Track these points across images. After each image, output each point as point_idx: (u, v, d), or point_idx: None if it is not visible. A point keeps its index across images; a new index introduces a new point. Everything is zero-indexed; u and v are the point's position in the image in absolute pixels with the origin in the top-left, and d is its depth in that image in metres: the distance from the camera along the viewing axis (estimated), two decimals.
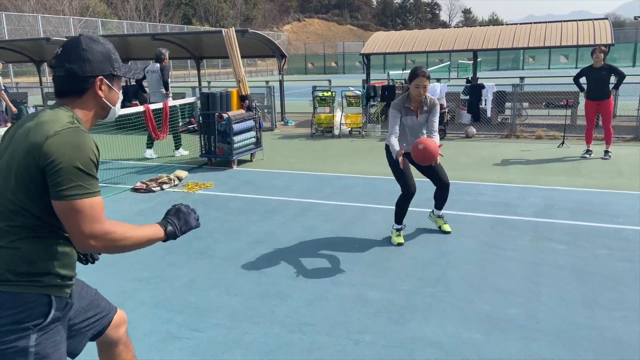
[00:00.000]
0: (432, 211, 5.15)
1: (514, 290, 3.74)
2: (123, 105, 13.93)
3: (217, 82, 26.16)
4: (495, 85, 11.16)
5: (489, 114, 11.04)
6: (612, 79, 8.12)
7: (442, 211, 5.08)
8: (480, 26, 13.73)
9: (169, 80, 9.24)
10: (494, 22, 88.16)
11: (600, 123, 8.34)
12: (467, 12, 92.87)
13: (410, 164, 4.70)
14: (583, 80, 8.26)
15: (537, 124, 11.70)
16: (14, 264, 1.64)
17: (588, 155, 8.32)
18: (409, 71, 4.66)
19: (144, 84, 10.07)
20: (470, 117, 11.30)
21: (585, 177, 7.03)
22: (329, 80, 15.16)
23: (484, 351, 2.98)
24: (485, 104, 10.94)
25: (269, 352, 3.03)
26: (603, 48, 7.91)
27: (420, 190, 6.52)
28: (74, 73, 1.73)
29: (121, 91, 1.89)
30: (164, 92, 9.05)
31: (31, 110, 16.23)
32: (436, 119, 4.66)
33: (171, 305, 3.64)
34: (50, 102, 16.97)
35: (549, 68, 43.77)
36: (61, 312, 1.75)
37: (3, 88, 9.96)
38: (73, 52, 1.75)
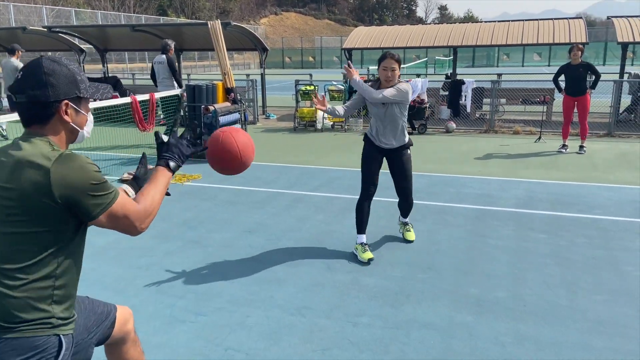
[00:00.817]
0: (400, 216, 4.83)
1: (500, 275, 3.94)
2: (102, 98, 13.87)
3: (195, 75, 25.96)
4: (475, 81, 11.41)
5: (468, 109, 11.31)
6: (590, 77, 8.42)
7: (408, 219, 4.77)
8: (457, 23, 14.00)
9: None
10: (470, 19, 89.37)
11: (576, 119, 8.65)
12: (443, 8, 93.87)
13: (375, 160, 4.39)
14: (561, 78, 8.54)
15: (514, 119, 12.03)
16: (21, 309, 1.60)
17: (564, 150, 8.63)
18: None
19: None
20: (450, 112, 11.55)
21: (562, 170, 7.32)
22: (310, 75, 15.26)
23: (475, 331, 3.16)
24: (465, 100, 11.20)
25: (272, 333, 3.15)
26: (580, 46, 8.20)
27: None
28: (37, 100, 1.65)
29: (90, 113, 1.86)
30: (173, 82, 9.26)
31: (4, 100, 15.89)
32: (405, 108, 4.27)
33: (172, 290, 3.72)
34: None
35: (522, 65, 44.67)
36: (70, 350, 1.72)
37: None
38: (35, 77, 1.66)
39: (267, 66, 14.16)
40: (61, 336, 1.67)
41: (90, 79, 9.22)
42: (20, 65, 10.12)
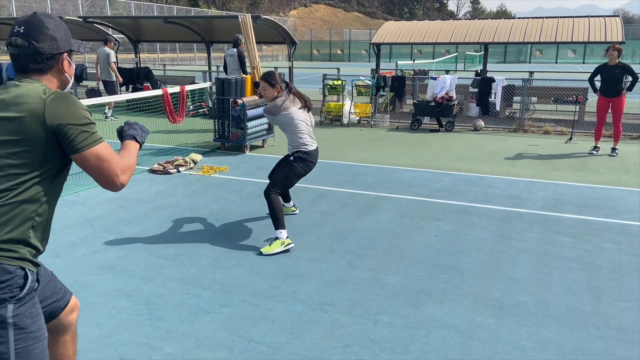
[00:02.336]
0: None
1: (523, 278, 3.92)
2: (135, 89, 14.11)
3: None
4: (505, 79, 11.24)
5: (497, 107, 11.15)
6: (626, 79, 8.22)
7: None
8: (490, 18, 13.76)
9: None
10: (502, 13, 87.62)
11: (610, 120, 8.46)
12: (475, 2, 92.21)
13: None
14: (597, 77, 8.35)
15: (544, 118, 11.83)
16: (5, 230, 1.71)
17: (595, 152, 8.46)
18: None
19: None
20: (479, 110, 11.41)
21: (593, 173, 7.18)
22: (338, 69, 15.25)
23: (496, 334, 3.17)
24: (495, 98, 11.05)
25: (294, 327, 3.22)
26: (617, 46, 8.01)
27: (431, 181, 6.70)
28: (41, 51, 1.81)
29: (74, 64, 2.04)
30: (241, 74, 9.92)
31: (100, 84, 16.28)
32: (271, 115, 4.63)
33: (198, 281, 3.82)
34: None
35: (556, 62, 43.75)
36: (35, 284, 1.80)
37: (114, 61, 11.58)
38: (39, 30, 1.81)
39: (294, 59, 14.20)
40: (27, 270, 1.76)
41: (123, 69, 9.61)
42: (112, 53, 11.58)
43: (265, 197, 4.49)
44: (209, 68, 15.94)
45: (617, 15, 12.42)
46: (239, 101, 8.14)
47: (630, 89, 8.13)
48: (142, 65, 16.04)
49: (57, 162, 1.80)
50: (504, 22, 12.75)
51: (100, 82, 12.05)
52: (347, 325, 3.26)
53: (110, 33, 16.11)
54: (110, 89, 11.81)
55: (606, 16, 12.28)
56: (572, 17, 12.56)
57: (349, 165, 7.49)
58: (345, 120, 11.37)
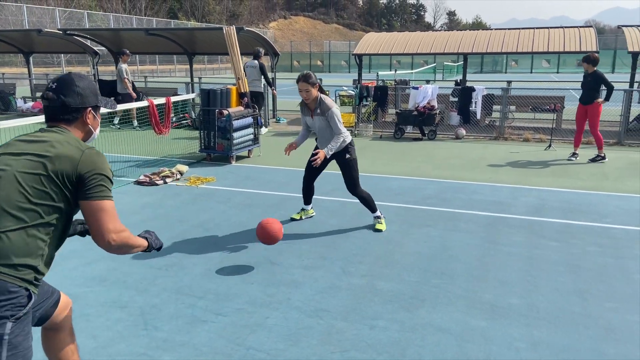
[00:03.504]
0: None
1: (513, 282, 4.01)
2: (117, 101, 14.02)
3: (205, 78, 26.11)
4: (485, 88, 11.48)
5: (478, 116, 11.37)
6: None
7: (379, 212, 5.27)
8: (466, 29, 14.08)
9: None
10: (478, 24, 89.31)
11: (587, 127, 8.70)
12: (451, 14, 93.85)
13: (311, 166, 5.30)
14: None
15: (523, 126, 12.08)
16: (9, 252, 1.81)
17: (574, 158, 8.68)
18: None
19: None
20: (460, 118, 11.61)
21: (573, 178, 7.37)
22: (320, 79, 15.36)
23: (490, 336, 3.23)
24: (475, 107, 11.26)
25: (291, 334, 3.24)
26: (593, 56, 8.28)
27: (417, 188, 6.80)
28: (68, 105, 2.07)
29: (100, 119, 2.26)
30: (261, 84, 11.13)
31: (19, 101, 16.12)
32: (334, 124, 4.90)
33: (192, 291, 3.82)
34: (38, 94, 16.86)
35: (531, 72, 44.65)
36: (31, 308, 1.90)
37: (125, 77, 11.72)
38: (68, 87, 2.08)
39: (275, 70, 14.27)
40: (31, 291, 1.88)
41: (104, 82, 9.63)
42: (123, 68, 11.72)
43: (359, 198, 5.09)
44: (191, 79, 15.92)
45: (591, 26, 12.80)
46: (224, 112, 8.17)
47: (607, 98, 8.38)
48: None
49: (74, 205, 1.99)
50: (482, 33, 13.04)
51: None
52: (343, 330, 3.29)
53: (90, 45, 16.01)
54: (127, 102, 11.72)
55: (580, 27, 12.65)
56: (548, 27, 12.91)
57: (336, 175, 7.54)
58: None
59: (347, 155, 5.04)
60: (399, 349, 3.08)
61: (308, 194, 5.45)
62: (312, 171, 5.34)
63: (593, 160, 8.59)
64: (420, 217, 5.58)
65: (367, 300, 3.70)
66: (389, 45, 13.13)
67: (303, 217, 5.52)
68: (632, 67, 11.41)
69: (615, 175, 7.57)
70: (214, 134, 8.35)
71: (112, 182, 2.04)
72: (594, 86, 8.30)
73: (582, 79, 8.52)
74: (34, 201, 1.87)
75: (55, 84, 2.08)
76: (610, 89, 8.30)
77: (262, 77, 11.19)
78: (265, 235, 4.20)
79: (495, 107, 12.17)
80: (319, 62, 50.56)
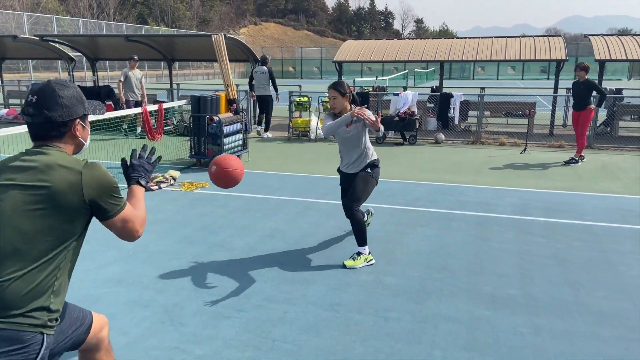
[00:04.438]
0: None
1: (509, 275, 4.31)
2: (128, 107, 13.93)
3: (185, 84, 26.00)
4: (463, 94, 11.92)
5: (456, 121, 11.79)
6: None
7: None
8: (433, 37, 14.54)
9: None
10: (444, 32, 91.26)
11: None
12: (419, 22, 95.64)
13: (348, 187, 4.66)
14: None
15: (498, 131, 12.58)
16: (17, 301, 1.74)
17: (580, 162, 9.15)
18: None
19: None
20: (439, 123, 12.01)
21: (551, 180, 7.79)
22: (300, 86, 15.61)
23: (495, 323, 3.51)
24: (454, 112, 11.69)
25: (311, 327, 3.44)
26: (584, 65, 8.81)
27: (406, 191, 7.09)
28: (53, 120, 1.87)
29: (89, 127, 2.08)
30: (269, 88, 11.86)
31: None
32: (365, 132, 4.59)
33: (209, 290, 3.98)
34: (13, 101, 16.57)
35: (497, 79, 45.90)
36: (48, 350, 1.84)
37: (122, 80, 11.68)
38: (50, 100, 1.87)
39: (246, 76, 14.43)
40: (45, 335, 1.81)
41: (83, 88, 9.63)
42: (139, 74, 11.80)
43: (350, 216, 4.39)
44: (171, 86, 15.92)
45: (560, 35, 13.44)
46: (215, 118, 8.31)
47: (599, 105, 8.92)
48: (102, 85, 15.83)
49: (83, 229, 1.92)
50: (457, 42, 13.52)
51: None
52: (360, 322, 3.52)
53: (65, 51, 15.84)
54: (128, 107, 11.74)
55: (550, 36, 13.27)
56: (519, 37, 13.49)
57: (326, 178, 7.78)
58: (312, 136, 11.69)
59: (369, 170, 4.57)
60: (414, 337, 3.32)
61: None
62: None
63: (567, 162, 9.07)
64: (413, 217, 5.86)
65: (378, 295, 3.93)
66: (368, 53, 13.48)
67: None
68: (599, 74, 12.03)
69: (589, 177, 8.04)
70: (204, 139, 8.47)
71: (118, 188, 1.95)
72: (586, 93, 8.80)
73: (572, 87, 9.01)
74: (36, 239, 1.76)
75: (35, 96, 1.87)
76: (603, 95, 8.83)
77: (270, 82, 11.81)
78: (222, 177, 3.61)
79: (470, 112, 12.65)
80: (290, 68, 50.82)
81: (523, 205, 6.41)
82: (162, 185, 7.20)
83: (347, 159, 4.68)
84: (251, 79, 12.19)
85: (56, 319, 1.88)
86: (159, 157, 2.37)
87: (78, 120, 1.96)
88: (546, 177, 8.01)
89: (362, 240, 4.49)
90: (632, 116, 12.31)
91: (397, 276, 4.27)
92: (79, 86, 14.49)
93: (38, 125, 1.88)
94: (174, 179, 7.55)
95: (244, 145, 9.13)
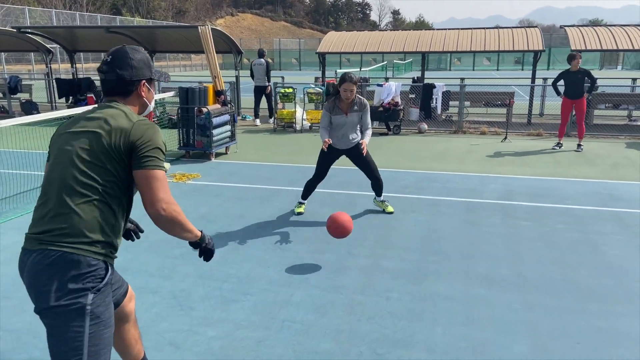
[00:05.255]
0: (375, 198, 5.87)
1: (500, 256, 4.52)
2: (77, 101, 13.71)
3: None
4: (444, 85, 12.15)
5: (439, 111, 12.03)
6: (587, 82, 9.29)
7: (383, 195, 5.81)
8: (411, 29, 14.76)
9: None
10: (421, 23, 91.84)
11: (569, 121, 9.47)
12: (396, 13, 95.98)
13: (331, 160, 5.57)
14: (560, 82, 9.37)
15: (478, 120, 12.87)
16: (93, 224, 1.93)
17: (558, 148, 9.49)
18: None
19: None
20: (422, 113, 12.23)
21: (532, 167, 8.07)
22: (282, 77, 15.68)
23: (491, 301, 3.71)
24: (436, 103, 11.91)
25: (318, 308, 3.59)
26: (579, 55, 9.09)
27: (395, 179, 7.27)
28: (123, 78, 2.12)
29: (154, 91, 2.29)
30: (265, 79, 12.62)
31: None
32: (368, 117, 5.40)
33: (214, 276, 4.09)
34: None
35: (473, 69, 46.48)
36: (111, 278, 2.03)
37: None
38: (122, 61, 2.12)
39: (225, 67, 14.45)
40: (108, 264, 2.01)
41: (61, 80, 9.57)
42: None
43: (379, 181, 5.60)
44: None
45: (536, 26, 13.76)
46: (204, 110, 8.35)
47: (590, 91, 9.23)
48: (80, 76, 15.62)
49: (126, 175, 2.03)
50: (438, 33, 13.74)
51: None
52: (363, 302, 3.68)
53: (43, 43, 15.57)
54: None
55: (527, 27, 13.58)
56: (498, 28, 13.77)
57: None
58: (297, 127, 11.80)
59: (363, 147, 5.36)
60: (416, 315, 3.50)
61: (311, 190, 5.70)
62: (326, 169, 5.61)
63: (577, 149, 9.38)
64: (404, 204, 6.04)
65: (377, 277, 4.10)
66: (351, 44, 13.60)
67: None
68: (569, 63, 12.36)
69: (567, 163, 8.34)
70: (193, 131, 8.51)
71: (163, 153, 2.05)
72: (582, 81, 9.09)
73: (563, 76, 9.25)
74: (95, 177, 1.95)
75: (110, 57, 2.13)
76: (595, 82, 9.14)
77: (266, 73, 12.57)
78: (338, 229, 4.32)
79: (451, 102, 12.90)
80: (269, 60, 50.62)
81: (507, 191, 6.65)
82: None
83: (341, 141, 5.41)
84: (252, 71, 12.87)
85: (115, 255, 2.06)
86: (212, 254, 2.38)
87: (144, 81, 2.17)
88: (527, 164, 8.29)
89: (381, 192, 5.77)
90: (607, 105, 12.72)
91: (394, 260, 4.44)
92: (59, 79, 14.29)
93: (109, 82, 2.12)
94: (165, 170, 7.57)
95: (232, 137, 9.19)
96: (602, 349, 3.12)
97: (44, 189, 2.02)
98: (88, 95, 13.52)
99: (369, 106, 5.43)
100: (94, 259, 1.93)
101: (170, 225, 2.02)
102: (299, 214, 5.64)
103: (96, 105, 2.14)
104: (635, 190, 6.70)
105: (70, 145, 2.00)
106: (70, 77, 15.46)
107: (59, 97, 14.41)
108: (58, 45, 16.02)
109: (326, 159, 5.52)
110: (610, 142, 10.33)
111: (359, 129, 5.45)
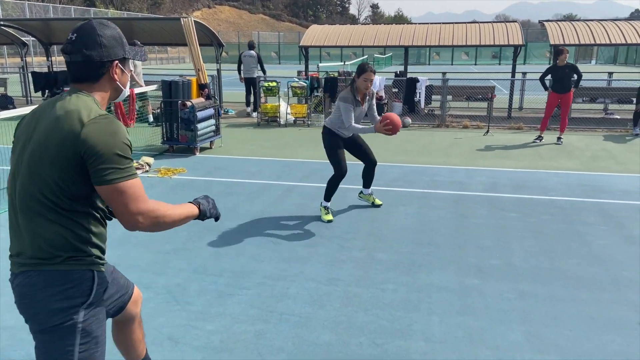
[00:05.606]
0: (362, 191, 5.83)
1: (490, 247, 4.60)
2: (53, 94, 13.44)
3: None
4: (428, 79, 12.25)
5: (422, 105, 12.12)
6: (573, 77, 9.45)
7: (371, 188, 5.78)
8: (389, 22, 14.83)
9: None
10: (399, 18, 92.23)
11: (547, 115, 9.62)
12: (374, 7, 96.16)
13: (343, 149, 5.33)
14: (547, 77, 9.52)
15: (460, 114, 13.01)
16: (60, 242, 1.73)
17: (539, 141, 9.62)
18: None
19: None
20: (405, 107, 12.31)
21: (515, 159, 8.21)
22: (264, 70, 15.57)
23: (484, 291, 3.78)
24: (420, 97, 12.00)
25: (315, 300, 3.61)
26: (567, 50, 9.22)
27: (383, 173, 7.31)
28: (91, 59, 1.76)
29: (130, 73, 1.96)
30: (257, 70, 12.94)
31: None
32: (375, 105, 5.46)
33: (208, 271, 4.07)
34: None
35: (452, 64, 46.89)
36: (102, 287, 1.84)
37: (133, 69, 10.77)
38: (89, 38, 1.76)
39: (205, 60, 14.28)
40: (95, 272, 1.80)
41: (37, 74, 9.26)
42: (139, 63, 11.15)
43: (375, 164, 5.56)
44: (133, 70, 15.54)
45: (516, 21, 13.95)
46: (188, 103, 8.27)
47: (576, 86, 9.38)
48: (57, 69, 15.28)
49: (84, 188, 1.75)
50: (420, 27, 13.82)
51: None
52: (360, 294, 3.71)
53: (17, 36, 15.19)
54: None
55: (508, 21, 13.76)
56: (478, 22, 13.92)
57: (303, 162, 7.92)
58: (282, 121, 11.76)
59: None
60: (412, 306, 3.55)
61: (336, 189, 5.38)
62: (345, 161, 5.30)
63: (557, 142, 9.57)
64: (393, 197, 6.09)
65: (372, 269, 4.13)
66: (333, 38, 13.59)
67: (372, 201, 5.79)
68: (553, 58, 12.60)
69: (549, 156, 8.51)
70: (177, 125, 8.42)
71: (126, 158, 1.72)
72: (570, 76, 9.23)
73: (551, 71, 9.38)
74: (54, 193, 1.71)
75: (75, 34, 1.77)
76: (581, 77, 9.30)
77: (259, 65, 12.94)
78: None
79: (433, 97, 13.01)
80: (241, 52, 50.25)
81: (493, 183, 6.76)
82: (138, 172, 7.14)
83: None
84: (240, 63, 13.05)
85: (103, 259, 1.86)
86: (218, 217, 2.14)
87: (117, 62, 1.83)
88: (510, 157, 8.43)
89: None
90: (584, 98, 12.99)
91: (387, 252, 4.49)
92: (35, 72, 13.93)
93: (75, 64, 1.78)
94: (149, 165, 7.50)
95: (217, 131, 9.13)
96: (594, 335, 3.21)
97: (10, 201, 1.83)
98: (65, 89, 13.19)
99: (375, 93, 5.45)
100: (76, 270, 1.76)
101: (155, 229, 1.80)
102: (329, 221, 5.21)
103: (57, 96, 1.80)
104: (615, 181, 6.87)
105: (25, 151, 1.76)
106: (46, 70, 15.12)
107: (35, 91, 14.06)
108: (33, 38, 15.64)
109: (340, 150, 5.30)
110: (588, 135, 10.56)
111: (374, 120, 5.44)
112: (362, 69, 5.06)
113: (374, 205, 5.75)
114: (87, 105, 1.72)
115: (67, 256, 1.74)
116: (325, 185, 5.40)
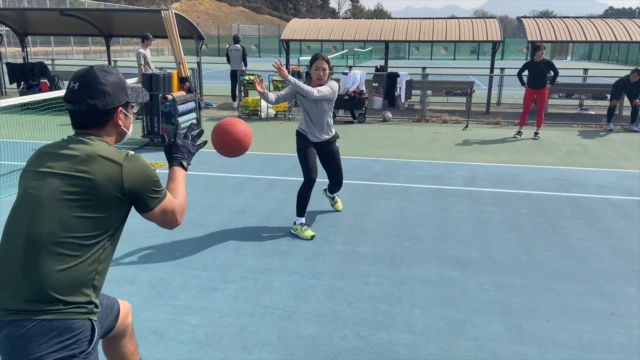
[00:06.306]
0: (326, 192, 5.43)
1: (470, 240, 4.69)
2: (29, 86, 13.15)
3: (121, 61, 24.95)
4: (408, 74, 12.34)
5: (403, 100, 12.21)
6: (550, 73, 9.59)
7: (335, 195, 5.43)
8: (370, 17, 14.90)
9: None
10: (380, 12, 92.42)
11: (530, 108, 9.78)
12: (355, 0, 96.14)
13: (314, 153, 4.83)
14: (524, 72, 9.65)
15: (439, 109, 13.14)
16: (66, 283, 1.69)
17: (519, 136, 9.77)
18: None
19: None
20: (385, 102, 12.39)
21: (493, 154, 8.35)
22: (245, 64, 15.48)
23: (464, 283, 3.86)
24: (400, 91, 12.09)
25: (299, 294, 3.65)
26: (543, 46, 9.36)
27: (364, 167, 7.36)
28: (96, 108, 1.82)
29: (132, 115, 2.02)
30: (241, 64, 13.29)
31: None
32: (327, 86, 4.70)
33: (191, 265, 4.08)
34: None
35: (431, 59, 47.22)
36: (99, 335, 1.83)
37: (142, 63, 10.75)
38: (92, 87, 1.81)
39: (185, 53, 14.15)
40: (93, 321, 1.76)
41: (12, 65, 9.02)
42: (142, 54, 10.77)
43: (341, 183, 5.10)
44: (109, 62, 15.31)
45: (495, 17, 14.12)
46: (169, 97, 8.20)
47: (552, 82, 9.52)
48: (33, 60, 14.97)
49: (122, 220, 1.86)
50: (401, 22, 13.89)
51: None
52: (343, 287, 3.76)
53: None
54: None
55: (487, 18, 13.92)
56: (459, 18, 14.05)
57: (285, 157, 7.93)
58: (262, 115, 11.74)
59: (337, 146, 4.99)
60: (394, 298, 3.61)
61: (308, 201, 4.85)
62: (315, 164, 4.84)
63: (535, 137, 9.73)
64: (375, 191, 6.15)
65: (354, 263, 4.19)
66: (314, 32, 13.58)
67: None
68: (531, 54, 12.80)
69: (526, 151, 8.67)
70: (157, 118, 8.34)
71: (159, 181, 1.89)
72: (545, 72, 9.37)
73: (528, 67, 9.50)
74: (76, 229, 1.71)
75: (77, 84, 1.82)
76: (557, 73, 9.45)
77: (242, 58, 13.31)
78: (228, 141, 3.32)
79: (413, 92, 13.12)
80: (227, 45, 49.82)
81: (472, 177, 6.87)
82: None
83: (316, 130, 4.82)
84: (228, 56, 13.62)
85: (97, 306, 1.82)
86: (205, 142, 2.29)
87: (121, 108, 1.90)
88: (488, 151, 8.56)
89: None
90: (560, 94, 13.24)
91: (370, 245, 4.54)
92: (10, 63, 13.62)
93: (80, 114, 1.84)
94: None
95: (198, 125, 9.06)
96: (571, 325, 3.31)
97: (5, 236, 1.75)
98: (41, 80, 12.97)
99: (336, 87, 4.75)
100: (76, 320, 1.70)
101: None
102: (312, 237, 4.66)
103: (65, 139, 1.84)
104: (590, 175, 7.05)
105: (36, 189, 1.74)
106: (21, 61, 14.79)
107: (10, 83, 13.78)
108: (7, 28, 15.27)
109: (310, 151, 4.81)
110: (564, 131, 10.78)
111: (329, 122, 4.89)
112: (314, 57, 4.69)
113: (332, 207, 5.46)
114: (107, 147, 1.82)
115: (69, 302, 1.69)
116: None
